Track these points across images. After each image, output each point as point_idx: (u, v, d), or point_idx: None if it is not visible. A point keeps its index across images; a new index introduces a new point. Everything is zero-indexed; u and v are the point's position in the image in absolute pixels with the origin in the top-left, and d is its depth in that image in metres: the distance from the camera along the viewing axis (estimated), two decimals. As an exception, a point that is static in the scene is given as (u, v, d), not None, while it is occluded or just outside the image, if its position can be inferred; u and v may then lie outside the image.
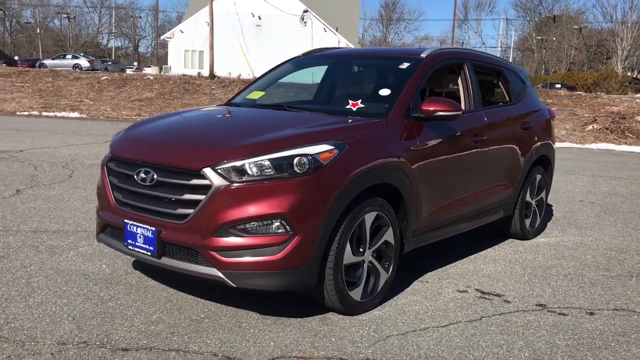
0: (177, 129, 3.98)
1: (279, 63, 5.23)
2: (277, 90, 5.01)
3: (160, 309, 3.59)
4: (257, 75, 32.32)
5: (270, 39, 44.16)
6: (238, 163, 3.22)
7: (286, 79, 5.06)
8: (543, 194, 5.89)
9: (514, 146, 5.21)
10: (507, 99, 5.56)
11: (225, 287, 3.35)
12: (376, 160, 3.64)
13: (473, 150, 4.61)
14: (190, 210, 3.26)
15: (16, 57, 55.77)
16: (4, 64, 30.97)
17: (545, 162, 5.89)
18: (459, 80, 4.87)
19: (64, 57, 46.15)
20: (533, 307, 3.94)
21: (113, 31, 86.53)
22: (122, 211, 3.59)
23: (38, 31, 76.52)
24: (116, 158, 3.70)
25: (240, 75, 33.90)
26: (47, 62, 43.61)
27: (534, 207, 5.74)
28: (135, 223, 3.47)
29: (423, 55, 4.56)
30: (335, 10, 50.67)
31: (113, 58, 71.70)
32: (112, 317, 3.42)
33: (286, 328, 3.39)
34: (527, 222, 5.65)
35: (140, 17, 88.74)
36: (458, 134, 4.43)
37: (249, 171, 3.21)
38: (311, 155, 3.30)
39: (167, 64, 45.95)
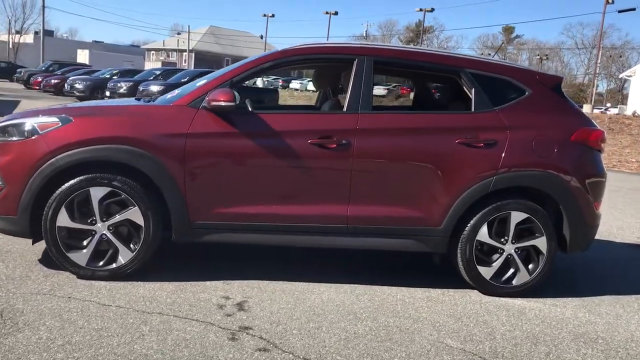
0: None
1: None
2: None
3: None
4: None
5: None
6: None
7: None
8: (539, 242, 4.25)
9: (430, 163, 4.13)
10: (464, 106, 4.38)
11: None
12: (110, 139, 3.86)
13: (313, 156, 4.03)
14: None
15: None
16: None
17: (545, 199, 4.29)
18: (349, 78, 4.26)
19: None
20: (231, 327, 3.40)
21: (597, 72, 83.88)
22: None
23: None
24: None
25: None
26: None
27: (508, 255, 4.26)
28: None
29: (279, 49, 4.29)
30: None
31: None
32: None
33: (21, 266, 4.06)
34: (487, 271, 4.26)
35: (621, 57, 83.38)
36: (278, 132, 4.01)
37: (2, 132, 4.04)
38: (32, 123, 3.90)
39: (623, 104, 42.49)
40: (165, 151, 3.90)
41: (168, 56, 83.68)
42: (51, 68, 33.51)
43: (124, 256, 3.96)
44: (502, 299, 4.25)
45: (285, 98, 27.74)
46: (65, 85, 25.61)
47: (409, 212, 4.17)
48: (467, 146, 4.16)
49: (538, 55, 77.40)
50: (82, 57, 53.96)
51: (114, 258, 3.97)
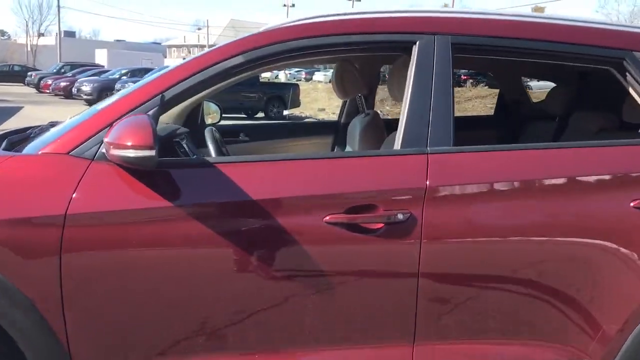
0: None
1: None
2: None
3: None
4: None
5: None
6: None
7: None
8: None
9: (577, 253, 1.99)
10: (622, 125, 2.23)
11: None
12: None
13: (336, 251, 1.92)
14: None
15: None
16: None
17: None
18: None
19: None
20: None
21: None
22: None
23: None
24: None
25: None
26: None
27: None
28: None
29: (258, 31, 2.17)
30: None
31: None
32: None
33: None
34: None
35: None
36: (261, 203, 1.89)
37: None
38: None
39: None
40: (20, 256, 1.82)
41: (189, 52, 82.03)
42: (62, 70, 31.78)
43: None
44: None
45: (308, 92, 25.29)
46: (74, 88, 23.80)
47: (537, 353, 2.03)
48: (657, 211, 1.99)
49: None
50: (101, 57, 52.29)
51: None
